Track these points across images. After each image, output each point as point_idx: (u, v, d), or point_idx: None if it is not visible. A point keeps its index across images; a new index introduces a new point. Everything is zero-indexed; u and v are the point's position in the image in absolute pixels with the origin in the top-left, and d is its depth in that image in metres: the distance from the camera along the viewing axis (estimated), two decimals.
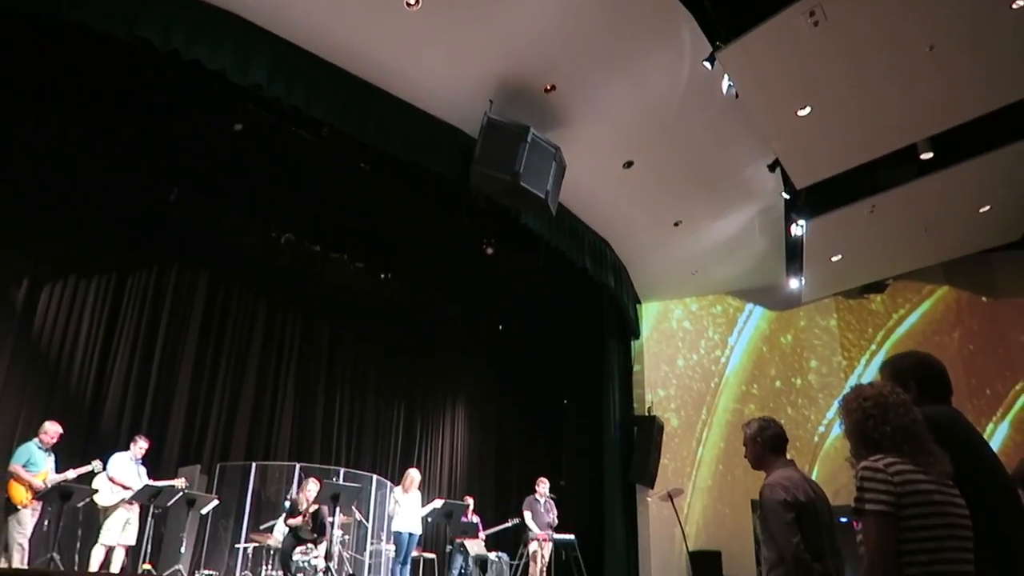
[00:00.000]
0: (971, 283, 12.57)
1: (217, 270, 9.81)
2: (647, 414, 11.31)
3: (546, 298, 11.24)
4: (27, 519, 6.51)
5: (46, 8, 5.70)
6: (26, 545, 6.45)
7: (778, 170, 8.87)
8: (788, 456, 3.57)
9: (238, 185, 8.69)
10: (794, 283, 11.50)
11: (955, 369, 2.85)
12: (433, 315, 11.75)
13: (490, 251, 9.84)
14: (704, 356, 12.17)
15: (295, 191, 8.98)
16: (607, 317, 11.44)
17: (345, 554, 8.89)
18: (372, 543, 9.56)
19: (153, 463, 8.00)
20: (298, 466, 9.11)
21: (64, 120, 7.55)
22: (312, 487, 7.64)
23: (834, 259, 10.83)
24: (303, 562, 7.39)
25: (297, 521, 7.55)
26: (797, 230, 9.95)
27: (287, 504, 7.88)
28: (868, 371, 12.39)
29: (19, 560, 6.30)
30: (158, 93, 7.44)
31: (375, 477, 10.00)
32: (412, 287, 10.98)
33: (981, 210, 9.92)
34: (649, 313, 12.16)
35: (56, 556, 6.36)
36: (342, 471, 9.55)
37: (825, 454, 11.89)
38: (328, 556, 7.39)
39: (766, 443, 3.47)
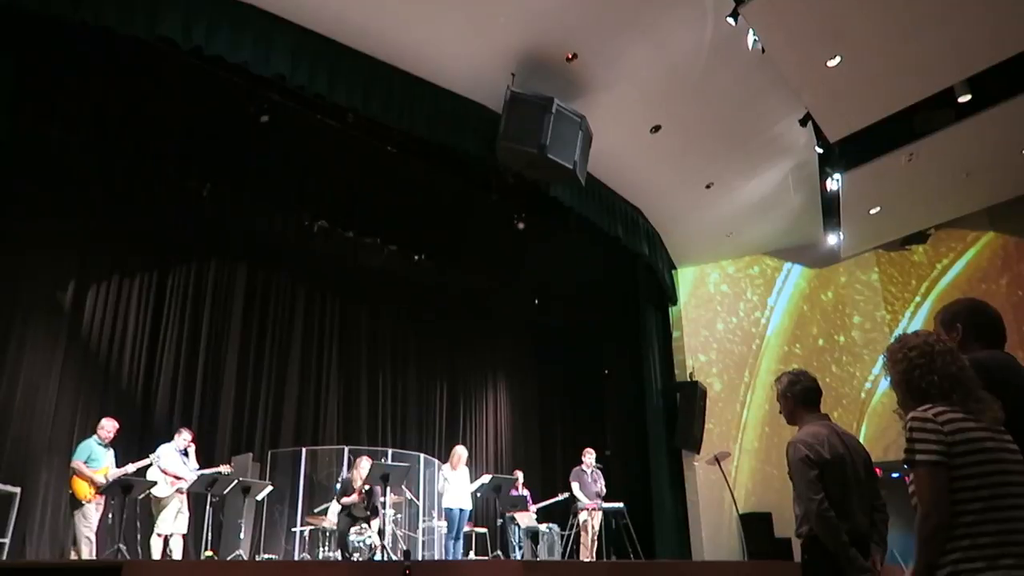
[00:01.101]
0: (1017, 227, 12.21)
1: (254, 261, 9.96)
2: (689, 380, 11.26)
3: (580, 270, 11.21)
4: (92, 513, 6.74)
5: (70, 11, 5.79)
6: (93, 538, 6.68)
7: (810, 124, 8.69)
8: (832, 413, 3.54)
9: (268, 176, 8.78)
10: (832, 239, 11.31)
11: (1004, 317, 2.78)
12: (468, 293, 11.81)
13: (521, 226, 9.82)
14: (744, 318, 12.05)
15: (324, 178, 9.06)
16: (643, 285, 11.39)
17: (398, 532, 9.06)
18: (424, 520, 9.72)
19: (206, 453, 8.21)
20: (346, 449, 9.28)
21: (95, 123, 7.68)
22: (364, 465, 7.77)
23: (873, 211, 10.62)
24: (359, 542, 7.54)
25: (352, 499, 7.68)
26: (833, 184, 9.77)
27: (339, 486, 8.03)
28: (913, 324, 12.17)
29: (88, 552, 6.54)
30: (184, 90, 7.53)
31: (423, 456, 10.14)
32: (446, 267, 11.04)
33: None
34: (685, 278, 12.07)
35: (123, 547, 6.58)
36: (390, 451, 9.70)
37: (872, 411, 11.74)
38: (381, 534, 7.52)
39: (796, 397, 3.43)
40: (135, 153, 8.02)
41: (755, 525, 10.38)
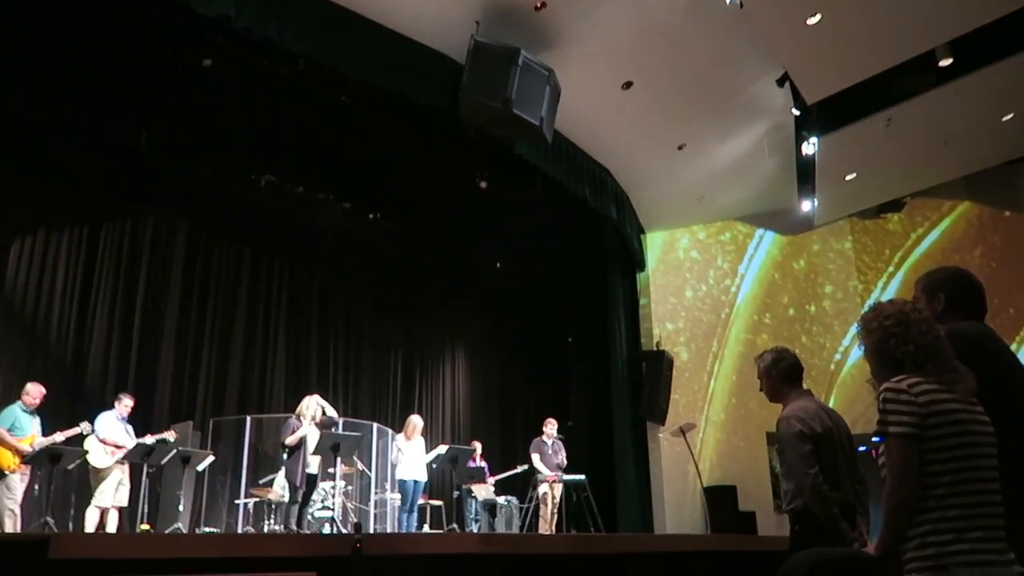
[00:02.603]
0: (993, 197, 12.53)
1: (196, 216, 9.78)
2: (655, 349, 11.40)
3: (545, 233, 11.20)
4: (16, 484, 6.61)
5: None
6: (17, 511, 6.56)
7: (787, 85, 8.73)
8: (804, 386, 3.63)
9: (212, 125, 8.55)
10: (806, 205, 11.46)
11: None
12: (426, 255, 11.77)
13: (484, 185, 9.76)
14: (713, 286, 12.21)
15: (273, 129, 8.84)
16: (610, 250, 11.44)
17: (350, 504, 9.08)
18: (377, 492, 9.76)
19: (143, 421, 8.10)
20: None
21: (22, 63, 7.38)
22: (310, 403, 7.75)
23: (848, 178, 10.76)
24: (308, 514, 7.56)
25: (296, 436, 7.57)
26: (809, 148, 9.86)
27: (286, 431, 7.89)
28: (885, 294, 12.45)
29: (11, 526, 6.42)
30: (121, 30, 7.26)
31: (375, 425, 10.15)
32: (403, 226, 10.96)
33: (1004, 119, 9.81)
34: (654, 244, 12.15)
35: (50, 520, 6.49)
36: (341, 420, 9.67)
37: (842, 382, 12.03)
38: (329, 507, 7.54)
39: (781, 374, 3.52)
40: (65, 96, 7.74)
41: (720, 498, 10.62)
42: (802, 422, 3.28)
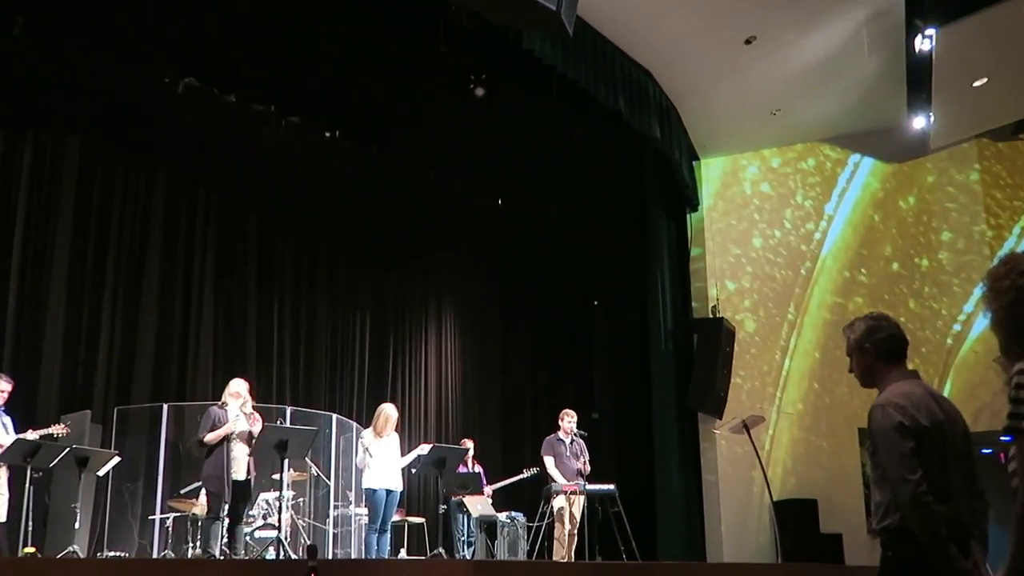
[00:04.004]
0: None
1: (91, 133, 9.72)
2: (711, 316, 11.39)
3: (562, 158, 11.12)
4: None
5: None
6: None
7: None
8: (909, 365, 3.61)
9: (112, 15, 8.48)
10: (919, 122, 11.34)
11: None
12: (403, 188, 11.71)
13: (480, 92, 9.68)
14: (791, 232, 12.15)
15: (194, 20, 8.75)
16: (651, 182, 11.37)
17: (301, 522, 9.16)
18: (337, 505, 9.83)
19: (25, 413, 8.13)
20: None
21: None
22: (238, 386, 7.80)
23: (977, 84, 10.64)
24: (246, 535, 7.65)
25: (221, 432, 7.56)
26: (923, 44, 9.73)
27: (205, 424, 7.89)
28: (1023, 244, 12.40)
29: None
30: None
31: (335, 417, 10.20)
32: (369, 149, 10.89)
33: None
34: (711, 174, 12.05)
35: None
36: (288, 410, 9.74)
37: (961, 362, 12.04)
38: (273, 525, 7.61)
39: (877, 349, 3.48)
40: None
41: (795, 516, 10.69)
42: (903, 412, 3.24)
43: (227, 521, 7.55)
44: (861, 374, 3.56)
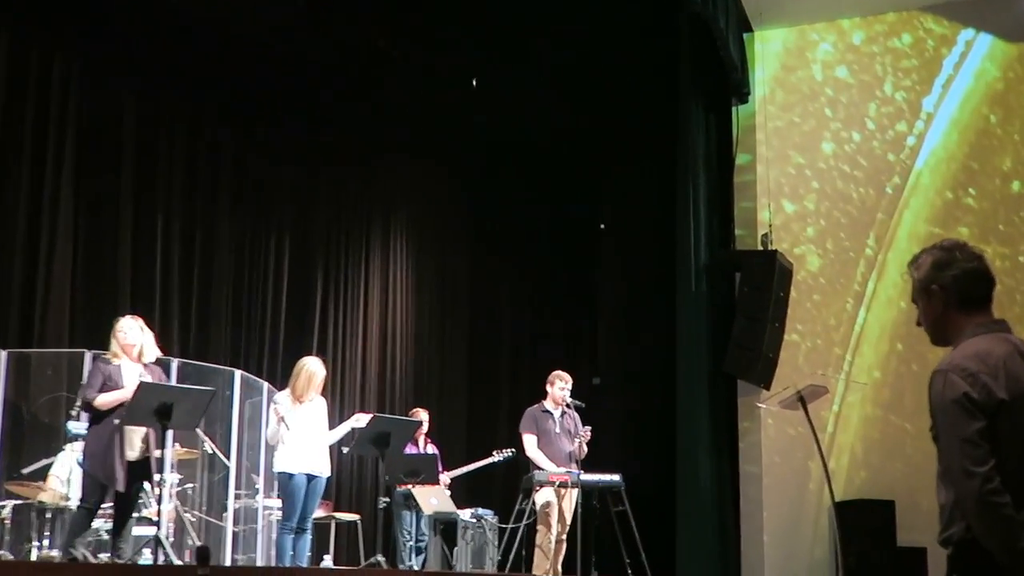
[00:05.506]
0: None
1: None
2: (761, 248, 11.37)
3: (563, 26, 11.04)
4: None
5: None
6: None
7: None
8: (1017, 324, 3.58)
9: None
10: None
11: None
12: (344, 57, 11.62)
13: None
14: (875, 136, 12.11)
15: None
16: (685, 61, 11.30)
17: (189, 516, 9.17)
18: (240, 494, 9.87)
19: None
20: (88, 353, 9.23)
21: None
22: (128, 324, 7.77)
23: None
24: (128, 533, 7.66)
25: (113, 396, 7.57)
26: None
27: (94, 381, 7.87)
28: None
29: None
30: None
31: (239, 373, 10.18)
32: (296, 7, 10.76)
33: None
34: (769, 52, 11.96)
35: None
36: (175, 363, 9.70)
37: None
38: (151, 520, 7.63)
39: (947, 292, 3.43)
40: None
41: (864, 522, 10.77)
42: (972, 379, 3.17)
43: (105, 514, 7.58)
44: (930, 326, 3.51)
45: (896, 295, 11.89)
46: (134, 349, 7.71)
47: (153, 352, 7.86)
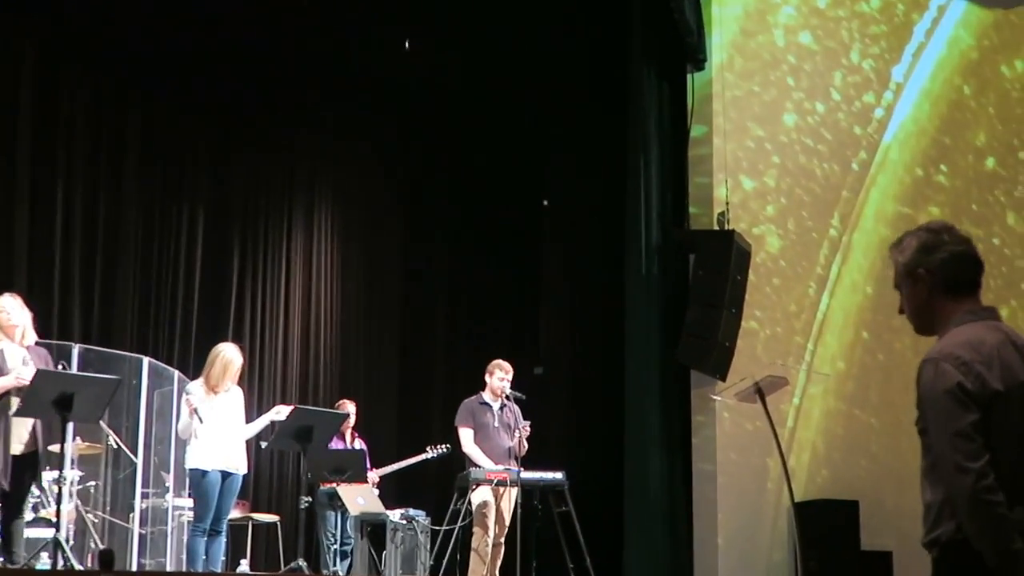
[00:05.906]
0: None
1: None
2: (717, 227, 11.42)
3: None
4: None
5: None
6: None
7: None
8: (1003, 306, 3.61)
9: None
10: None
11: None
12: (261, 15, 11.56)
13: None
14: (840, 107, 12.18)
15: None
16: (636, 21, 11.32)
17: (91, 517, 9.11)
18: (147, 494, 9.81)
19: None
20: None
21: None
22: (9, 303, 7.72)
23: None
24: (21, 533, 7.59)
25: (3, 384, 7.52)
26: None
27: None
28: None
29: None
30: None
31: (146, 361, 10.12)
32: None
33: None
34: (728, 15, 11.98)
35: None
36: (76, 349, 9.63)
37: None
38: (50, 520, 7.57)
39: (934, 276, 3.45)
40: None
41: (825, 522, 10.86)
42: (965, 369, 3.20)
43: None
44: (913, 313, 3.53)
45: (862, 280, 11.97)
46: (17, 330, 7.66)
47: (32, 335, 7.79)
